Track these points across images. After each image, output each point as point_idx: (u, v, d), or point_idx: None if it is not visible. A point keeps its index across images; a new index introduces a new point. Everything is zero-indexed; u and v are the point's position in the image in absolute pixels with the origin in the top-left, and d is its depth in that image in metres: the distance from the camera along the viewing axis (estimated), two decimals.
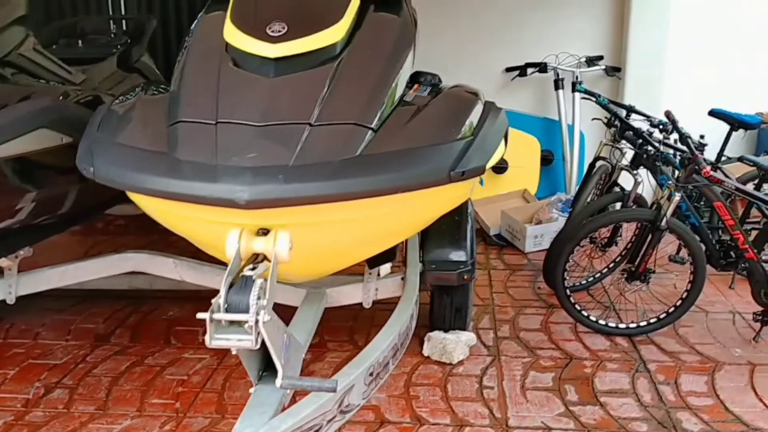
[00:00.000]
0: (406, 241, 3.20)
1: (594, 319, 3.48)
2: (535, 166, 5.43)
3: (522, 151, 5.40)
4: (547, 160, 5.46)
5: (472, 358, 3.27)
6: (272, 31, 2.00)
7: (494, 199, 5.22)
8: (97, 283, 3.49)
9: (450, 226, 3.23)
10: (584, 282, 4.00)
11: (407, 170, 1.83)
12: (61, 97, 2.59)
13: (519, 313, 3.77)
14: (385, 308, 3.42)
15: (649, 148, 3.54)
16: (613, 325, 3.47)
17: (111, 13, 5.42)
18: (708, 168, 2.97)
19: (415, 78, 2.35)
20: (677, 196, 3.21)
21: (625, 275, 3.47)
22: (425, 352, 3.27)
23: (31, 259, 3.39)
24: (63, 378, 3.15)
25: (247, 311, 1.56)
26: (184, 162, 1.76)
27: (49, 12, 5.45)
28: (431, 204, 2.14)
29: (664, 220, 3.24)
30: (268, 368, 1.92)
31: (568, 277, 3.50)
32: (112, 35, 4.25)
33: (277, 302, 2.92)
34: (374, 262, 2.69)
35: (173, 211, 1.87)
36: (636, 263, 3.40)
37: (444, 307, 3.30)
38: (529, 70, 5.35)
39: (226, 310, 1.58)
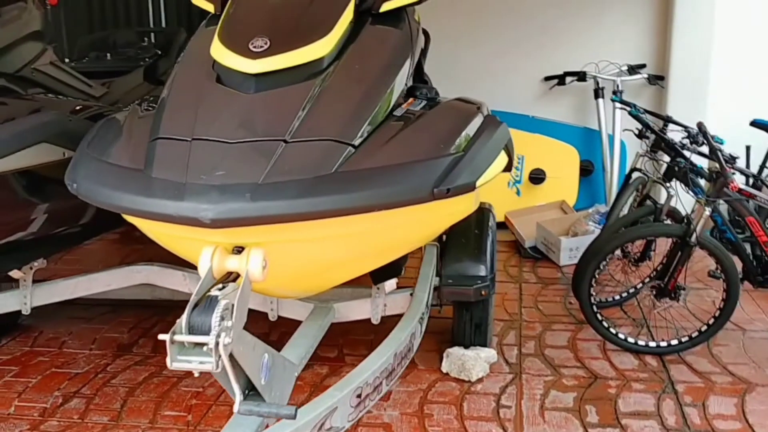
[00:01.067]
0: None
1: (622, 336, 3.34)
2: (573, 177, 5.29)
3: (560, 162, 5.29)
4: (586, 170, 5.31)
5: (492, 375, 3.18)
6: (254, 47, 1.97)
7: (530, 211, 5.10)
8: (121, 293, 3.52)
9: (469, 240, 3.16)
10: (617, 297, 3.85)
11: (384, 188, 1.77)
12: (70, 112, 2.61)
13: (546, 329, 3.66)
14: None
15: (682, 160, 3.39)
16: (643, 343, 3.32)
17: (151, 26, 5.53)
18: (736, 182, 2.81)
19: (411, 92, 2.29)
20: (707, 211, 3.06)
21: (654, 292, 3.32)
22: (444, 369, 3.19)
23: (69, 267, 3.46)
24: (82, 387, 3.18)
25: (208, 333, 1.52)
26: (155, 180, 1.75)
27: (91, 25, 5.60)
28: (421, 221, 2.07)
29: (694, 235, 3.09)
30: (254, 387, 1.88)
31: (595, 293, 3.37)
32: (141, 48, 4.31)
33: (285, 317, 2.95)
34: (379, 277, 2.63)
35: (152, 228, 1.86)
36: (665, 279, 3.25)
37: (464, 323, 3.22)
38: (568, 79, 5.22)
39: (189, 331, 1.55)
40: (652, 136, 3.69)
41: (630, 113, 3.85)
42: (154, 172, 1.76)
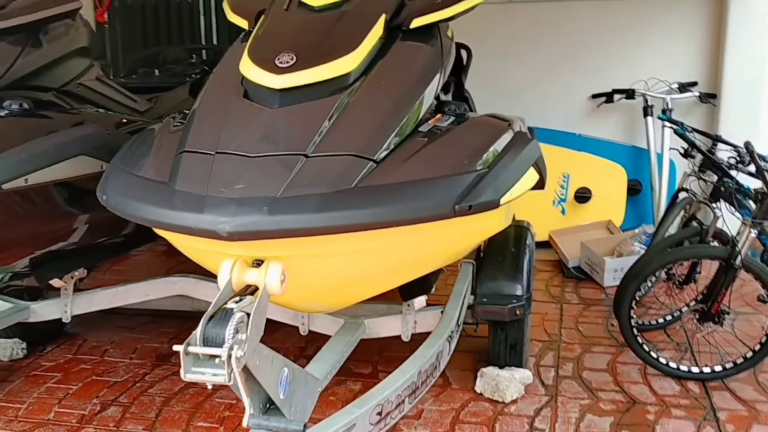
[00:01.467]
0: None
1: (664, 360, 3.25)
2: (621, 196, 5.19)
3: (607, 180, 5.20)
4: (634, 190, 5.20)
5: (527, 397, 3.12)
6: (280, 62, 1.99)
7: (576, 230, 5.02)
8: (162, 304, 3.58)
9: (505, 258, 3.12)
10: (661, 321, 3.75)
11: (403, 203, 1.76)
12: (112, 126, 2.68)
13: (586, 351, 3.58)
14: None
15: (729, 180, 3.30)
16: (685, 368, 3.22)
17: (203, 43, 5.66)
18: None
19: (440, 108, 2.28)
20: (753, 233, 2.96)
21: (698, 316, 3.22)
22: (477, 389, 3.15)
23: (117, 276, 3.52)
24: (120, 396, 3.24)
25: (222, 345, 1.53)
26: (177, 192, 1.78)
27: (145, 43, 5.76)
28: (445, 238, 2.05)
29: (739, 257, 2.99)
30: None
31: (636, 315, 3.29)
32: (189, 64, 4.41)
33: (316, 331, 2.96)
34: (408, 293, 2.62)
35: (178, 240, 1.89)
36: (709, 303, 3.15)
37: (499, 342, 3.18)
38: (616, 97, 5.13)
39: (204, 343, 1.56)
40: (699, 156, 3.59)
41: (676, 132, 3.76)
42: (177, 185, 1.80)
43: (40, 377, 3.44)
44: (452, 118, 2.19)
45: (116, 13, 6.33)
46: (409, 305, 2.71)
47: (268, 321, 1.77)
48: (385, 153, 1.88)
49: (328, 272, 1.92)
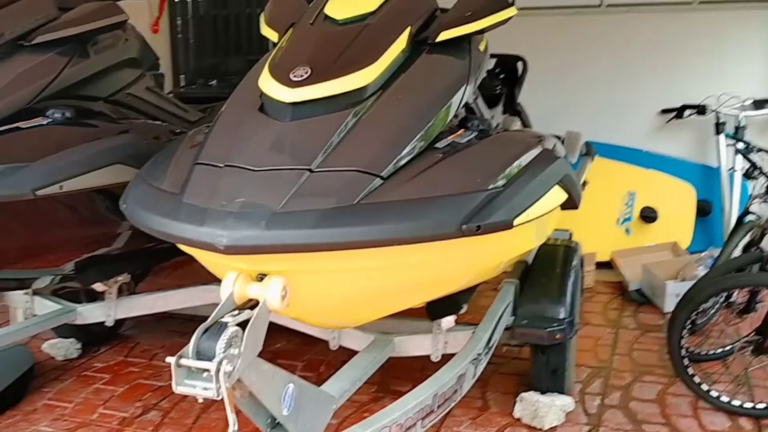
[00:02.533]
0: None
1: (715, 394, 3.07)
2: (689, 217, 4.96)
3: (675, 200, 4.99)
4: (703, 211, 4.97)
5: (567, 425, 3.01)
6: (294, 76, 1.98)
7: (639, 251, 4.83)
8: (208, 310, 3.62)
9: (548, 279, 3.02)
10: (719, 351, 3.55)
11: (406, 222, 1.72)
12: (156, 135, 2.74)
13: (636, 380, 3.43)
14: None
15: None
16: (738, 403, 3.03)
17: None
18: None
19: (463, 123, 2.21)
20: None
21: (752, 348, 3.04)
22: (516, 414, 3.05)
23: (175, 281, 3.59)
24: (161, 400, 3.30)
25: (212, 359, 1.53)
26: (184, 204, 1.79)
27: (216, 54, 5.91)
28: (458, 258, 1.98)
29: None
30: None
31: (688, 344, 3.14)
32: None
33: (345, 347, 2.93)
34: (436, 312, 2.56)
35: (189, 251, 1.90)
36: (764, 335, 2.97)
37: (539, 367, 3.07)
38: (687, 113, 4.90)
39: (197, 356, 1.57)
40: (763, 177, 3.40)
41: (738, 150, 3.57)
42: (185, 197, 1.81)
43: (90, 378, 3.55)
44: (474, 134, 2.13)
45: (189, 24, 6.54)
46: (440, 325, 2.65)
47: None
48: (393, 169, 1.84)
49: (334, 289, 1.89)
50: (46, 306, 3.18)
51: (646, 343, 3.88)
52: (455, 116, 2.25)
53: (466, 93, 2.22)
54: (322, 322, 2.30)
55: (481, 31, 2.33)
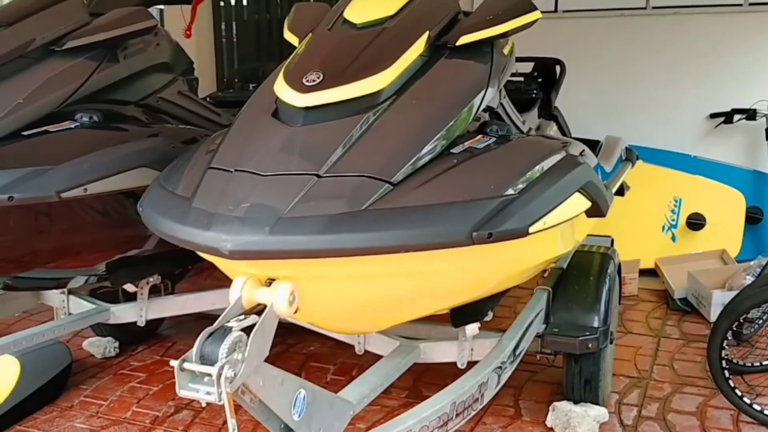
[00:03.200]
0: None
1: (758, 408, 2.95)
2: (738, 224, 4.80)
3: (723, 207, 4.83)
4: (753, 218, 4.80)
5: None
6: (307, 81, 1.96)
7: (685, 258, 4.68)
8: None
9: (582, 287, 2.96)
10: (766, 363, 3.42)
11: (414, 228, 1.67)
12: (183, 141, 2.75)
13: (676, 392, 3.32)
14: (523, 368, 3.18)
15: None
16: None
17: None
18: None
19: (483, 128, 2.16)
20: None
21: None
22: (548, 423, 2.99)
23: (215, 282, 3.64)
24: (194, 400, 3.32)
25: (215, 363, 1.52)
26: (193, 209, 1.79)
27: (259, 56, 5.96)
28: (473, 266, 1.93)
29: None
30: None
31: (733, 355, 3.02)
32: None
33: (371, 351, 2.91)
34: (459, 319, 2.51)
35: (205, 256, 1.90)
36: None
37: (572, 376, 3.00)
38: (736, 117, 4.76)
39: (200, 360, 1.56)
40: None
41: None
42: (195, 201, 1.81)
43: (126, 376, 3.60)
44: (492, 140, 2.07)
45: (233, 28, 6.63)
46: (463, 332, 2.60)
47: None
48: (404, 175, 1.80)
49: (344, 295, 1.86)
50: (80, 305, 3.24)
51: (688, 354, 3.76)
52: (477, 119, 2.20)
53: (486, 97, 2.16)
54: (336, 327, 2.27)
55: (503, 35, 2.28)
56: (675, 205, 4.91)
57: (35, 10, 2.68)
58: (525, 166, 1.92)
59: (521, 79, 3.89)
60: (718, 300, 4.11)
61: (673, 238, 4.92)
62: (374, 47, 2.09)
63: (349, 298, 1.88)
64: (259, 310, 1.71)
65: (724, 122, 4.84)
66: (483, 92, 2.13)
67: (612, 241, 4.07)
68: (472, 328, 2.52)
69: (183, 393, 1.57)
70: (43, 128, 2.42)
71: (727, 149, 4.94)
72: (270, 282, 1.73)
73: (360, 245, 1.65)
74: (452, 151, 1.96)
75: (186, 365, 1.55)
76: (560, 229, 2.36)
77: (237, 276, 1.80)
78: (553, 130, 3.62)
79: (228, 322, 1.62)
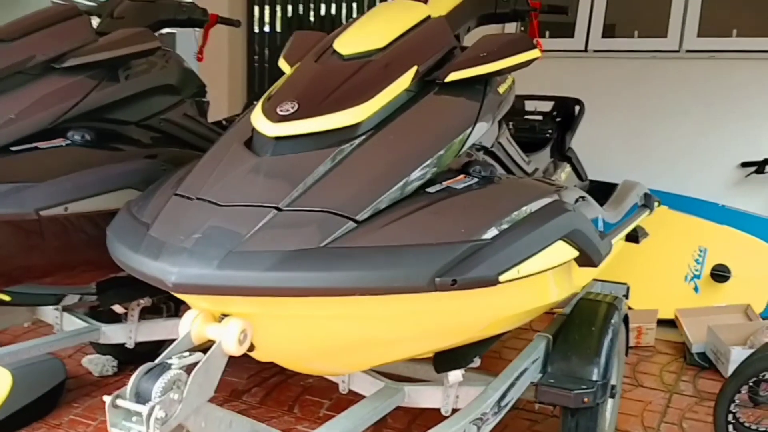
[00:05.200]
0: None
1: None
2: (765, 279, 4.60)
3: (750, 259, 4.65)
4: None
5: None
6: (281, 110, 1.89)
7: (707, 311, 4.49)
8: None
9: (583, 337, 2.82)
10: None
11: (372, 270, 1.58)
12: (178, 161, 2.72)
13: None
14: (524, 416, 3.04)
15: None
16: None
17: None
18: None
19: (465, 168, 2.07)
20: None
21: None
22: None
23: None
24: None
25: (146, 402, 1.45)
26: (147, 236, 1.73)
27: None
28: (442, 314, 1.83)
29: None
30: None
31: (735, 419, 2.86)
32: None
33: (355, 391, 2.81)
34: (442, 364, 2.40)
35: None
36: None
37: (569, 430, 2.86)
38: None
39: (135, 397, 1.49)
40: None
41: None
42: (152, 229, 1.76)
43: None
44: (474, 181, 1.98)
45: (266, 55, 6.69)
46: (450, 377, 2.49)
47: None
48: (370, 213, 1.72)
49: (304, 335, 1.77)
50: (73, 323, 3.22)
51: (700, 413, 3.58)
52: (469, 155, 2.12)
53: (473, 136, 2.07)
54: (303, 367, 2.18)
55: (497, 73, 2.19)
56: (700, 255, 4.73)
57: (40, 27, 2.68)
58: (503, 210, 1.83)
59: (539, 117, 3.80)
60: (737, 357, 3.92)
61: (696, 289, 4.74)
62: (356, 79, 2.02)
63: (309, 339, 1.80)
64: (207, 346, 1.64)
65: (756, 172, 4.68)
66: (469, 130, 2.04)
67: (628, 288, 3.92)
68: (455, 375, 2.41)
69: (114, 431, 1.50)
70: (33, 144, 2.41)
71: (757, 200, 4.77)
72: (223, 317, 1.66)
73: (311, 285, 1.57)
74: (428, 190, 1.87)
75: (119, 402, 1.48)
76: (551, 276, 2.25)
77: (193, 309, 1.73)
78: (565, 171, 3.51)
79: (171, 358, 1.56)
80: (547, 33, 5.19)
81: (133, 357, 3.78)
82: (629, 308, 4.31)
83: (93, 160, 2.48)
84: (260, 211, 1.67)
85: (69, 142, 2.50)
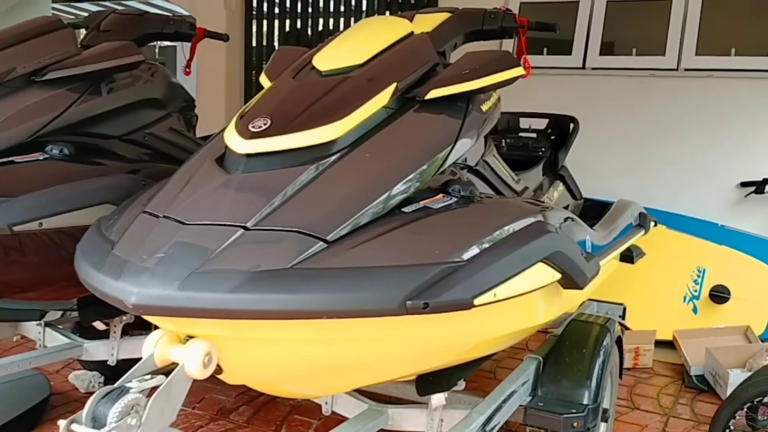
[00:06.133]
0: None
1: None
2: (765, 300, 4.53)
3: (750, 281, 4.58)
4: None
5: None
6: (253, 127, 1.84)
7: (706, 333, 4.42)
8: None
9: (573, 359, 2.76)
10: None
11: (340, 292, 1.53)
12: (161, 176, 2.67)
13: None
14: None
15: None
16: None
17: None
18: None
19: (445, 187, 2.01)
20: None
21: None
22: None
23: None
24: None
25: (102, 427, 1.40)
26: (111, 255, 1.68)
27: None
28: (414, 337, 1.77)
29: None
30: None
31: None
32: None
33: (338, 414, 2.75)
34: (424, 387, 2.33)
35: None
36: None
37: None
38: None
39: (92, 422, 1.44)
40: None
41: None
42: (116, 247, 1.71)
43: None
44: (452, 200, 1.92)
45: (262, 65, 6.65)
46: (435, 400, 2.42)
47: None
48: (342, 233, 1.67)
49: (273, 358, 1.71)
50: (55, 339, 3.17)
51: None
52: (453, 174, 2.06)
53: (453, 154, 2.02)
54: (276, 390, 2.12)
55: (479, 91, 2.14)
56: (698, 276, 4.66)
57: (22, 39, 2.65)
58: (481, 231, 1.77)
59: (533, 135, 3.75)
60: (735, 380, 3.85)
61: (695, 310, 4.66)
62: (333, 96, 1.97)
63: (279, 362, 1.74)
64: (171, 369, 1.58)
65: (755, 192, 4.62)
66: (449, 149, 1.99)
67: (624, 309, 3.85)
68: (438, 399, 2.34)
69: None
70: (10, 158, 2.37)
71: (757, 220, 4.71)
72: (189, 339, 1.61)
73: (277, 307, 1.51)
74: (404, 209, 1.82)
75: (74, 427, 1.43)
76: (538, 297, 2.19)
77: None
78: (558, 190, 3.45)
79: (130, 381, 1.50)
80: (545, 50, 5.16)
81: (118, 374, 3.73)
82: (626, 329, 4.25)
83: (71, 174, 2.43)
84: (226, 230, 1.62)
85: (47, 156, 2.46)
